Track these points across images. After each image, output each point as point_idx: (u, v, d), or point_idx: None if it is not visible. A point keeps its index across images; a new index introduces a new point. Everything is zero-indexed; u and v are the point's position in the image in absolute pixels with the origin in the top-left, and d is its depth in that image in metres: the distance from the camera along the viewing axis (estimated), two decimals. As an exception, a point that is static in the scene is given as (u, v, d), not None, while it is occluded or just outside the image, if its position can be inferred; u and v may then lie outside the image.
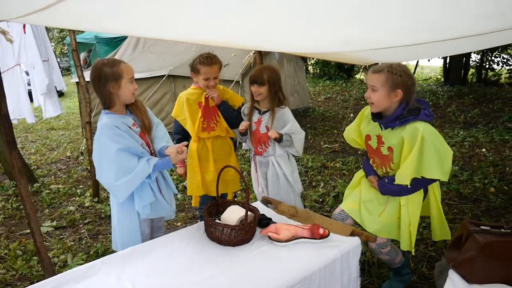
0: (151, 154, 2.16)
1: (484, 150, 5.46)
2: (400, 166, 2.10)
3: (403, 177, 2.07)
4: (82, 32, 17.00)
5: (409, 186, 2.08)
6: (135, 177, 1.96)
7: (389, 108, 2.10)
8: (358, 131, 2.39)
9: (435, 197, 2.23)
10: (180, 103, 2.73)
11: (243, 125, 2.69)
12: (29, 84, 4.99)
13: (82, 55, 14.82)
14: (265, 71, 2.65)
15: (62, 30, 23.51)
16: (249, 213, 2.00)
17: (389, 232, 2.22)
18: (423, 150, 1.99)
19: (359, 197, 2.37)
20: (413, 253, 2.28)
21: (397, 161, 2.14)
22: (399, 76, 2.03)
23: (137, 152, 2.02)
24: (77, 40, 4.18)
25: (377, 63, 2.24)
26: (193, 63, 2.67)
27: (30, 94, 4.82)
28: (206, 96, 2.68)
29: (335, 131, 7.20)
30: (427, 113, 2.05)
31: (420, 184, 2.11)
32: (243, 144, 2.90)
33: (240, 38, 2.73)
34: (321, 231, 1.99)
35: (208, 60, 2.60)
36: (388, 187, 2.18)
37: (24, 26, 4.31)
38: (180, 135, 2.83)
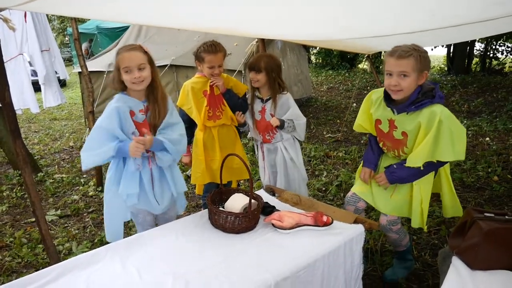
0: None
1: (487, 139, 5.44)
2: (413, 149, 2.07)
3: (416, 160, 2.04)
4: (84, 22, 16.96)
5: (422, 168, 2.05)
6: (99, 155, 2.01)
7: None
8: (367, 115, 2.32)
9: (445, 174, 2.23)
10: (185, 92, 2.70)
11: (240, 116, 2.73)
12: (33, 75, 4.97)
13: (84, 45, 14.77)
14: (263, 58, 2.66)
15: (63, 21, 23.43)
16: (252, 201, 2.00)
17: (400, 210, 2.24)
18: (440, 134, 1.97)
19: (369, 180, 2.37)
20: (425, 230, 2.30)
21: (411, 145, 2.10)
22: (425, 57, 1.96)
23: (117, 135, 2.02)
24: (79, 30, 4.16)
25: (383, 50, 2.21)
26: (197, 51, 2.63)
27: (34, 84, 4.80)
28: (211, 84, 2.66)
29: (338, 120, 7.18)
30: (440, 95, 2.03)
31: (433, 167, 2.10)
32: (250, 133, 2.90)
33: (243, 25, 2.72)
34: (324, 218, 1.99)
35: (212, 48, 2.56)
36: (397, 173, 2.16)
37: (25, 15, 4.28)
38: (186, 124, 2.80)
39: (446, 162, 2.10)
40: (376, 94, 2.25)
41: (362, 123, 2.36)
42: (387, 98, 2.13)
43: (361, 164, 2.48)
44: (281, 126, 2.67)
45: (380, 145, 2.32)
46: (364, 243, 1.99)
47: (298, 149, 2.87)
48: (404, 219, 2.64)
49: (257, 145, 2.93)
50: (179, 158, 2.29)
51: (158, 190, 2.21)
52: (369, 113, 2.29)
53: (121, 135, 2.03)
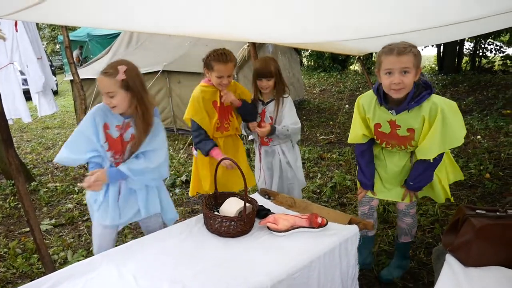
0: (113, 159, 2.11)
1: (479, 137, 5.50)
2: (420, 142, 2.08)
3: (427, 152, 2.06)
4: (75, 29, 16.90)
5: (431, 161, 2.08)
6: (73, 161, 2.10)
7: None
8: (365, 123, 2.25)
9: None
10: (194, 103, 2.55)
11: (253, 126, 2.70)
12: (24, 84, 4.94)
13: (75, 53, 14.71)
14: (271, 63, 2.62)
15: (53, 29, 23.33)
16: (247, 204, 2.01)
17: (420, 192, 2.32)
18: (445, 122, 2.00)
19: (378, 177, 2.37)
20: (452, 201, 2.42)
21: (418, 137, 2.11)
22: (419, 52, 1.97)
23: (93, 142, 2.05)
24: (69, 38, 4.17)
25: (374, 51, 2.23)
26: (207, 58, 2.50)
27: (25, 93, 4.77)
28: (222, 101, 2.56)
29: (331, 122, 7.21)
30: (430, 83, 2.05)
31: (443, 154, 2.14)
32: (250, 136, 2.89)
33: (233, 29, 2.73)
34: (319, 220, 2.00)
35: (223, 57, 2.44)
36: (419, 183, 2.20)
37: (16, 24, 4.27)
38: (197, 132, 2.58)
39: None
40: (365, 99, 2.21)
41: (363, 131, 2.26)
42: (384, 99, 2.10)
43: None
44: (272, 133, 2.64)
45: (382, 145, 2.28)
46: (359, 243, 2.01)
47: (297, 153, 2.84)
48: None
49: (255, 147, 2.93)
50: (156, 183, 2.22)
51: (122, 205, 2.15)
52: (366, 119, 2.23)
53: (94, 144, 2.05)
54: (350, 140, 2.35)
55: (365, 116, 2.23)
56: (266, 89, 2.65)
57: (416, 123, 2.06)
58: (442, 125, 1.99)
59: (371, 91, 2.19)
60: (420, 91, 2.01)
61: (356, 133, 2.29)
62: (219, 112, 2.58)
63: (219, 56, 2.43)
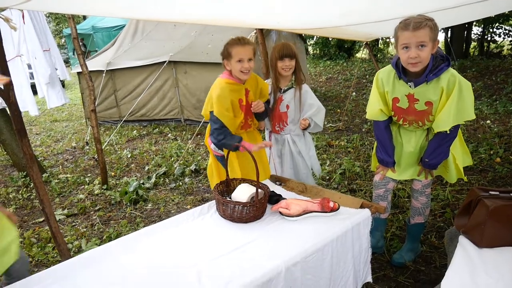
0: None
1: (488, 122, 5.45)
2: (437, 114, 2.09)
3: (443, 124, 2.07)
4: (79, 22, 16.91)
5: (448, 132, 2.09)
6: None
7: None
8: (383, 98, 2.25)
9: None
10: (222, 100, 2.34)
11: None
12: (31, 77, 4.97)
13: (80, 46, 14.71)
14: (291, 45, 2.59)
15: (58, 23, 23.35)
16: (259, 190, 2.02)
17: (435, 171, 2.34)
18: (461, 95, 2.01)
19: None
20: (465, 180, 2.41)
21: (436, 112, 2.12)
22: (435, 25, 1.94)
23: None
24: (75, 30, 4.15)
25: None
26: (224, 48, 2.37)
27: (33, 87, 4.81)
28: (253, 110, 2.48)
29: (338, 110, 7.18)
30: (447, 56, 2.05)
31: (458, 128, 2.15)
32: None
33: (240, 15, 2.71)
34: (331, 204, 2.01)
35: (240, 40, 2.32)
36: (435, 159, 2.21)
37: (23, 16, 4.28)
38: (221, 130, 2.38)
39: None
40: (384, 73, 2.22)
41: (381, 107, 2.24)
42: (403, 72, 2.11)
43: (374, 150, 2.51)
44: (308, 127, 2.66)
45: (400, 122, 2.27)
46: (370, 227, 2.02)
47: (310, 142, 2.83)
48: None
49: (266, 134, 2.93)
50: None
51: None
52: (384, 93, 2.22)
53: None
54: (368, 115, 2.36)
55: (383, 90, 2.23)
56: (289, 70, 2.59)
57: (434, 95, 2.06)
58: (459, 96, 2.01)
59: (389, 65, 2.19)
60: (438, 64, 2.02)
61: (374, 108, 2.28)
62: (245, 111, 2.46)
63: (235, 41, 2.33)
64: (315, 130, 2.74)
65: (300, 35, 8.79)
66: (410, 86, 2.11)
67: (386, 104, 2.25)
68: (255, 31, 5.03)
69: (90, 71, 4.61)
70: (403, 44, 1.97)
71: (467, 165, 2.44)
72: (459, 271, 1.58)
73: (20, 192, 4.38)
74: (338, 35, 4.64)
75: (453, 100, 2.00)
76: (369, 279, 2.08)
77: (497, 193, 1.77)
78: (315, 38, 15.87)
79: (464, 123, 2.10)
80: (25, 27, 4.33)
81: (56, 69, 5.09)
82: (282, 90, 2.70)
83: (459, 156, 2.30)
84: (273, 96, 2.72)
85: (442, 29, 11.62)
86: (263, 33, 3.89)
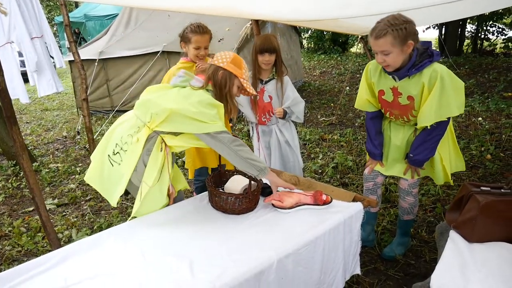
0: None
1: (480, 119, 5.50)
2: (420, 110, 2.11)
3: (425, 119, 2.09)
4: (71, 10, 16.64)
5: (428, 127, 2.10)
6: None
7: (404, 61, 2.06)
8: (370, 89, 2.32)
9: (450, 130, 2.30)
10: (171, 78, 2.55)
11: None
12: (23, 65, 4.87)
13: (73, 34, 14.50)
14: (272, 39, 2.63)
15: (50, 10, 22.94)
16: (252, 182, 2.02)
17: (422, 171, 2.35)
18: (444, 90, 2.01)
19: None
20: (451, 183, 2.42)
21: (418, 107, 2.13)
22: (404, 29, 1.93)
23: None
24: (67, 18, 4.07)
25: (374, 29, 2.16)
26: (183, 32, 2.58)
27: (24, 75, 4.72)
28: (197, 67, 2.55)
29: (332, 104, 7.19)
30: (436, 52, 2.06)
31: (444, 125, 2.14)
32: (248, 116, 2.86)
33: (237, 5, 2.68)
34: (324, 197, 2.01)
35: (199, 28, 2.53)
36: (419, 155, 2.21)
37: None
38: None
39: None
40: (373, 64, 2.26)
41: (367, 97, 2.33)
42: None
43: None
44: (284, 116, 2.68)
45: (387, 115, 2.34)
46: (362, 220, 2.02)
47: (294, 133, 2.88)
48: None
49: (252, 127, 2.92)
50: None
51: None
52: (371, 84, 2.29)
53: None
54: (356, 104, 2.42)
55: (371, 81, 2.28)
56: (268, 64, 2.64)
57: (415, 90, 2.09)
58: (441, 92, 2.01)
59: None
60: (422, 59, 2.03)
61: (361, 97, 2.37)
62: None
63: (196, 28, 2.52)
64: (292, 118, 2.77)
65: (295, 28, 8.76)
66: (394, 79, 2.14)
67: (374, 96, 2.30)
68: (250, 22, 4.99)
69: (82, 59, 4.54)
70: (372, 49, 2.06)
71: (460, 171, 2.45)
72: (449, 265, 1.59)
73: (9, 181, 4.33)
74: (334, 29, 4.62)
75: (434, 95, 2.02)
76: (358, 271, 2.10)
77: (489, 188, 1.78)
78: (309, 32, 15.84)
79: (446, 119, 2.09)
80: (13, 13, 4.23)
81: (52, 57, 4.99)
82: (264, 82, 2.73)
83: (447, 158, 2.29)
84: (254, 87, 2.74)
85: (437, 25, 11.66)
86: (259, 25, 3.86)
